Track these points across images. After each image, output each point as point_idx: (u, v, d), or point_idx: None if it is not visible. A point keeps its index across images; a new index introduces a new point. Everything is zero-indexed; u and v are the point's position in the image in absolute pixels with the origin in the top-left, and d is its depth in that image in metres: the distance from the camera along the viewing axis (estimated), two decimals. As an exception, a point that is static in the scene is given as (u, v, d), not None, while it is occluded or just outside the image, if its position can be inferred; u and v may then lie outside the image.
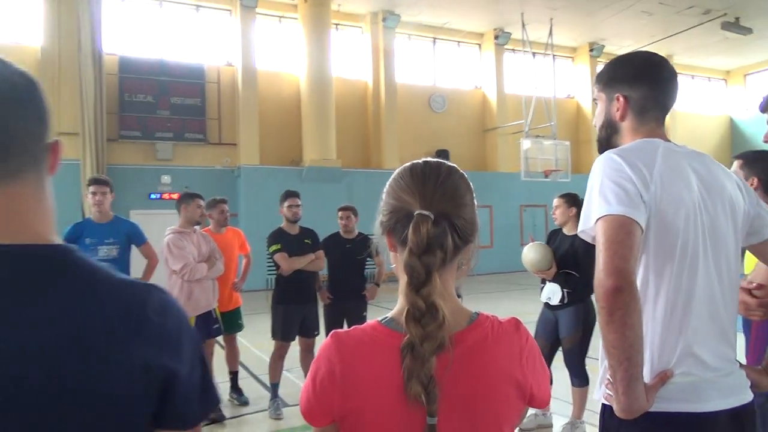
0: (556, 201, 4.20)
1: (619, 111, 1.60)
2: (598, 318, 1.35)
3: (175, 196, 13.27)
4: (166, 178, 13.85)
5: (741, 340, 1.82)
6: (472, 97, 18.33)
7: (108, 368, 0.70)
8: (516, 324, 1.01)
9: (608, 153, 1.51)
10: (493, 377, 0.94)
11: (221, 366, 5.18)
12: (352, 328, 0.97)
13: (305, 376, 4.31)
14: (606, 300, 1.30)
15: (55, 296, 0.71)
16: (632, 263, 1.33)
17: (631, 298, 1.29)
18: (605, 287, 1.30)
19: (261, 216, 13.12)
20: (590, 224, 1.43)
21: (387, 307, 7.22)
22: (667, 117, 1.66)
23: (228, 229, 5.17)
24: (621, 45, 19.10)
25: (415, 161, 1.03)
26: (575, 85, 20.09)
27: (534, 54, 17.01)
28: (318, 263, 4.80)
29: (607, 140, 1.67)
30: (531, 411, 4.04)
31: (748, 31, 16.91)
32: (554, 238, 4.25)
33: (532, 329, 3.51)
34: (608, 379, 1.39)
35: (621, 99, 1.59)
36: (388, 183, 1.03)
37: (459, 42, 18.12)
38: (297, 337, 4.85)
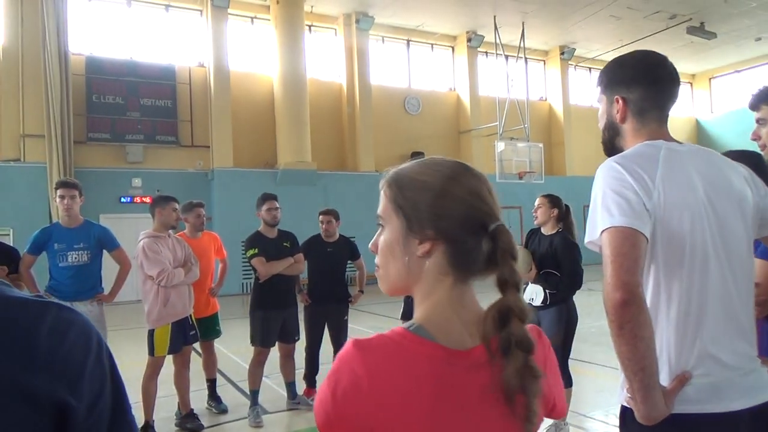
0: (538, 200, 4.21)
1: (619, 113, 1.59)
2: (610, 332, 1.35)
3: (146, 199, 13.14)
4: (136, 181, 13.55)
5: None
6: (447, 99, 18.41)
7: None
8: (538, 332, 0.97)
9: (609, 161, 1.50)
10: None
11: (199, 374, 5.05)
12: (374, 335, 0.87)
13: (285, 382, 4.22)
14: (615, 313, 1.31)
15: None
16: (638, 275, 1.33)
17: (638, 310, 1.30)
18: (613, 301, 1.31)
19: (235, 219, 12.94)
20: (596, 236, 1.43)
21: (366, 310, 7.24)
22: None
23: (204, 234, 5.04)
24: (591, 48, 19.43)
25: (456, 161, 0.94)
26: (547, 87, 20.34)
27: (507, 57, 17.17)
28: (297, 267, 4.71)
29: (611, 142, 1.66)
30: (548, 421, 4.00)
31: (712, 35, 17.38)
32: (533, 238, 4.25)
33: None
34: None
35: (620, 101, 1.58)
36: (427, 180, 0.91)
37: (433, 44, 18.19)
38: (276, 343, 4.75)
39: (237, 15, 15.05)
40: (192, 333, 4.52)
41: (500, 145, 16.01)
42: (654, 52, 1.62)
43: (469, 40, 17.80)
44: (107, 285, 4.50)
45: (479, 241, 0.88)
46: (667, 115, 1.60)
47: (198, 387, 4.99)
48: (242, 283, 13.59)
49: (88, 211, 4.56)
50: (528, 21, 16.58)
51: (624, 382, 1.41)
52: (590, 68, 21.38)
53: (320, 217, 5.08)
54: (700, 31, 17.14)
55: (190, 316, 4.51)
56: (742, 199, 1.49)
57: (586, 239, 1.47)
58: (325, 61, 16.45)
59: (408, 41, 17.76)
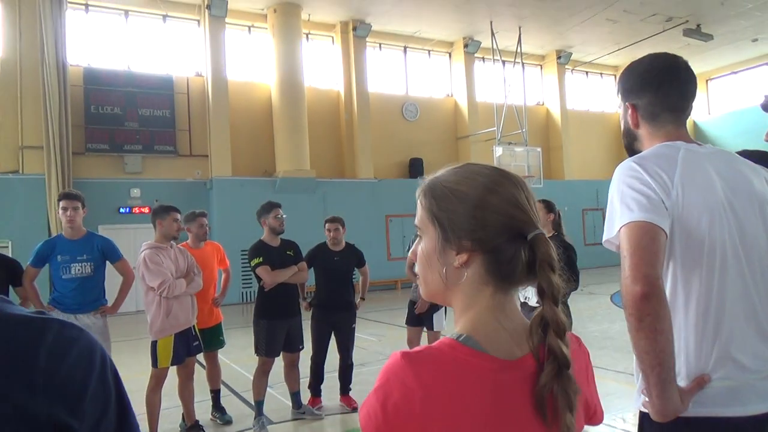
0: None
1: (632, 119, 1.62)
2: (627, 325, 1.33)
3: (145, 210, 13.13)
4: (135, 192, 13.52)
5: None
6: (444, 105, 18.44)
7: None
8: (578, 340, 0.95)
9: (627, 161, 1.50)
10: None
11: (202, 384, 5.01)
12: (423, 347, 0.84)
13: (290, 391, 4.18)
14: (635, 307, 1.29)
15: None
16: (659, 268, 1.32)
17: (659, 303, 1.29)
18: (633, 294, 1.30)
19: (234, 229, 12.91)
20: (614, 233, 1.42)
21: (367, 317, 7.21)
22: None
23: (207, 243, 5.01)
24: (588, 52, 19.49)
25: (494, 167, 0.92)
26: (544, 92, 20.39)
27: (503, 62, 17.22)
28: (301, 275, 4.69)
29: (630, 147, 1.68)
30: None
31: (709, 37, 17.44)
32: None
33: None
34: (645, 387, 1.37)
35: (630, 108, 1.62)
36: (464, 189, 0.89)
37: (430, 51, 18.23)
38: (281, 352, 4.72)
39: (234, 24, 15.07)
40: (195, 344, 4.48)
41: (498, 150, 16.03)
42: (665, 54, 1.62)
43: (465, 45, 17.85)
44: (109, 296, 4.47)
45: (518, 249, 0.86)
46: (686, 116, 1.60)
47: (202, 398, 4.95)
48: (242, 293, 13.54)
49: (87, 223, 4.52)
50: (524, 26, 16.63)
51: (641, 386, 1.39)
52: (587, 72, 21.46)
53: (327, 225, 5.07)
54: (696, 33, 17.20)
55: (194, 326, 4.48)
56: (763, 200, 1.49)
57: (604, 237, 1.47)
58: (323, 69, 16.47)
59: (405, 48, 17.80)
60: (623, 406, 4.41)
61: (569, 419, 0.81)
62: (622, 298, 1.34)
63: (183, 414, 4.54)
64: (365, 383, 5.78)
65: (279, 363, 4.80)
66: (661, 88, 1.56)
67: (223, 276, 5.30)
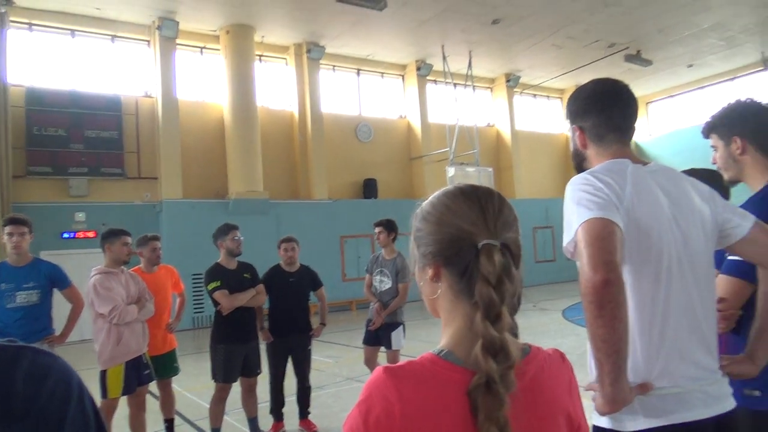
0: None
1: (579, 140, 1.71)
2: (586, 315, 1.35)
3: (90, 234, 12.67)
4: (80, 216, 13.04)
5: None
6: (398, 126, 18.66)
7: None
8: (561, 355, 0.98)
9: (580, 175, 1.57)
10: (551, 411, 0.90)
11: (155, 414, 4.84)
12: (405, 362, 0.86)
13: (248, 416, 4.09)
14: (596, 294, 1.31)
15: None
16: (618, 258, 1.35)
17: (619, 290, 1.31)
18: (594, 281, 1.31)
19: (186, 252, 12.60)
20: (572, 234, 1.44)
21: (324, 340, 7.12)
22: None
23: (161, 267, 4.88)
24: (535, 76, 20.17)
25: (458, 186, 0.97)
26: (495, 113, 20.92)
27: (455, 84, 17.60)
28: (260, 298, 4.62)
29: (579, 167, 1.75)
30: None
31: (648, 63, 18.36)
32: None
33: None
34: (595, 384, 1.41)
35: (578, 130, 1.71)
36: (429, 209, 0.95)
37: (383, 73, 18.47)
38: (239, 378, 4.61)
39: (186, 45, 14.90)
40: (146, 372, 4.34)
41: (451, 171, 16.28)
42: (607, 79, 1.72)
43: (418, 68, 18.18)
44: (56, 325, 4.29)
45: (472, 261, 0.88)
46: (630, 136, 1.69)
47: (155, 429, 4.77)
48: (194, 318, 13.19)
49: (28, 248, 4.34)
50: (474, 50, 17.09)
51: (596, 400, 1.42)
52: (535, 95, 22.16)
53: (283, 245, 5.01)
54: (636, 58, 18.08)
55: (145, 354, 4.34)
56: (703, 215, 1.57)
57: (564, 242, 1.50)
58: (277, 90, 16.44)
59: (358, 70, 17.98)
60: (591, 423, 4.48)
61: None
62: (582, 287, 1.34)
63: (134, 446, 4.36)
64: (324, 406, 5.70)
65: (235, 389, 4.68)
66: (605, 111, 1.65)
67: (178, 300, 5.16)
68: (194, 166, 14.50)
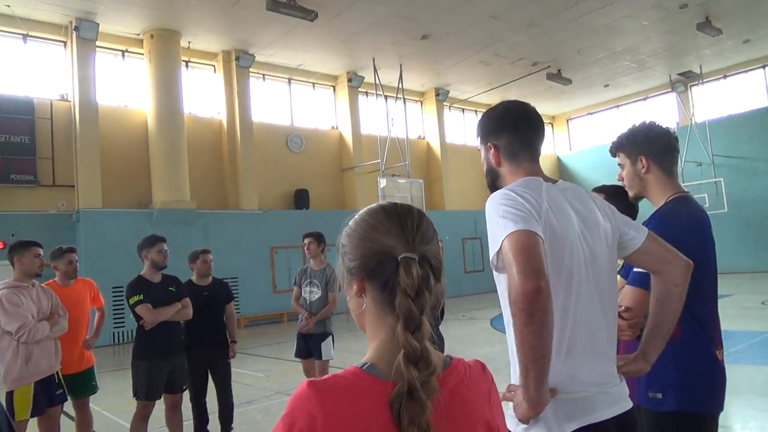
0: None
1: (494, 158, 1.77)
2: (514, 321, 1.39)
3: (-1, 245, 11.79)
4: (-14, 226, 12.13)
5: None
6: (330, 137, 18.63)
7: None
8: (482, 366, 1.02)
9: (501, 190, 1.62)
10: (471, 420, 0.94)
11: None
12: (328, 375, 0.87)
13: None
14: (526, 302, 1.35)
15: None
16: (545, 267, 1.40)
17: (549, 299, 1.36)
18: (525, 290, 1.35)
19: (105, 264, 11.99)
20: (497, 248, 1.49)
21: (251, 353, 7.00)
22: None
23: (78, 281, 4.60)
24: (463, 90, 20.74)
25: (380, 203, 1.01)
26: (425, 126, 21.31)
27: (386, 97, 17.80)
28: (185, 312, 4.45)
29: (494, 184, 1.81)
30: None
31: (568, 81, 19.31)
32: None
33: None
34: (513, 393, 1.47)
35: (492, 148, 1.77)
36: (353, 226, 0.99)
37: (314, 84, 18.41)
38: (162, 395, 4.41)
39: (106, 48, 14.25)
40: (59, 392, 4.07)
41: (383, 182, 16.41)
42: (516, 101, 1.82)
43: (349, 80, 18.25)
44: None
45: (393, 274, 0.91)
46: (538, 154, 1.77)
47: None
48: (113, 333, 12.53)
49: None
50: (405, 64, 17.37)
51: (517, 407, 1.48)
52: (463, 109, 22.78)
53: (201, 256, 4.89)
54: (557, 77, 18.98)
55: (57, 373, 4.06)
56: (606, 230, 1.67)
57: (491, 254, 1.54)
58: (204, 98, 16.02)
59: (289, 80, 17.84)
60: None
61: None
62: (512, 296, 1.38)
63: (45, 472, 4.06)
64: (252, 422, 5.55)
65: (159, 406, 4.47)
66: (518, 129, 1.73)
67: (97, 315, 4.88)
68: (115, 173, 13.85)
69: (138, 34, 14.29)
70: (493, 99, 21.45)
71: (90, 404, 4.66)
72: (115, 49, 14.62)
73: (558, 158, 25.58)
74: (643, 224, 1.98)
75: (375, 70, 16.84)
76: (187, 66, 15.54)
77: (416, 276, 0.89)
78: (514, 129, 1.73)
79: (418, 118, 21.14)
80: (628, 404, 1.60)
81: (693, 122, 20.48)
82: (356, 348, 8.71)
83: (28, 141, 12.96)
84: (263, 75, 17.14)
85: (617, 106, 23.53)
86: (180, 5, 12.91)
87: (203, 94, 16.01)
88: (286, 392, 6.70)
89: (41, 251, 4.09)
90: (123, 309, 11.49)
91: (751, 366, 6.41)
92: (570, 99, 22.54)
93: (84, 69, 13.39)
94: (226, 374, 4.84)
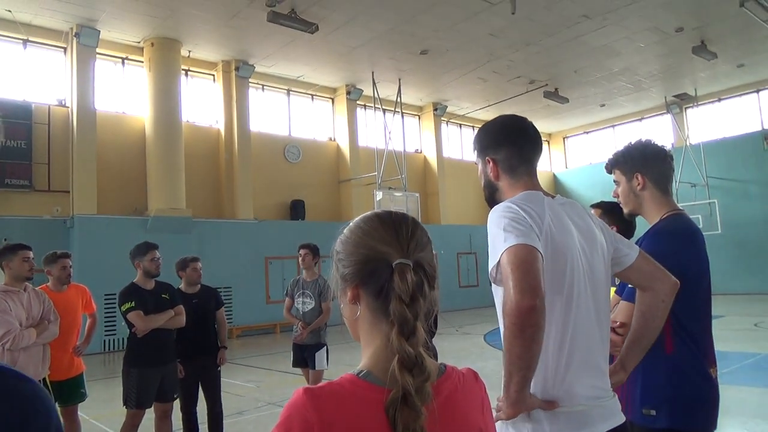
0: None
1: (492, 172, 1.78)
2: (506, 331, 1.42)
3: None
4: (-21, 230, 12.05)
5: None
6: (327, 148, 18.67)
7: None
8: (475, 375, 1.03)
9: (504, 202, 1.63)
10: (465, 428, 0.95)
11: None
12: (324, 383, 0.87)
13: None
14: (519, 317, 1.37)
15: None
16: (542, 282, 1.42)
17: (542, 316, 1.38)
18: (520, 306, 1.37)
19: (99, 270, 11.91)
20: (496, 260, 1.51)
21: (242, 363, 6.94)
22: None
23: (71, 287, 4.57)
24: (461, 106, 20.87)
25: (375, 211, 1.02)
26: (422, 140, 21.40)
27: (384, 110, 17.89)
28: (178, 320, 4.42)
29: (492, 198, 1.82)
30: None
31: (565, 100, 19.46)
32: None
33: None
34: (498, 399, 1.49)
35: (490, 162, 1.78)
36: (347, 233, 0.99)
37: (313, 95, 18.49)
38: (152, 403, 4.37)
39: (106, 55, 14.30)
40: (47, 399, 4.01)
41: (379, 195, 16.43)
42: (514, 115, 1.83)
43: (348, 93, 18.35)
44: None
45: (388, 280, 0.92)
46: (536, 168, 1.79)
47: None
48: (104, 341, 12.43)
49: None
50: (404, 78, 17.48)
51: (500, 407, 1.50)
52: (461, 124, 22.90)
53: (191, 264, 4.87)
54: (554, 95, 19.13)
55: (45, 379, 4.02)
56: (603, 246, 1.70)
57: (490, 266, 1.55)
58: (203, 106, 16.06)
59: (288, 91, 17.91)
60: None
61: None
62: (507, 309, 1.40)
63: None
64: (242, 433, 5.50)
65: (149, 415, 4.43)
66: (516, 143, 1.75)
67: (88, 321, 4.84)
68: (111, 180, 13.82)
69: (138, 42, 14.35)
70: (491, 115, 21.53)
71: (78, 412, 4.62)
72: (115, 57, 14.67)
73: (554, 175, 25.71)
74: (637, 241, 2.01)
75: (374, 84, 16.93)
76: (186, 75, 15.60)
77: (411, 282, 0.89)
78: (513, 143, 1.74)
79: (415, 132, 21.24)
80: (622, 418, 1.62)
81: (688, 144, 20.65)
82: (350, 360, 8.67)
83: (25, 146, 12.94)
84: (262, 86, 17.22)
85: (613, 126, 23.72)
86: (182, 15, 12.99)
87: (202, 103, 16.05)
88: (277, 403, 6.65)
89: (30, 254, 4.05)
90: (115, 316, 11.41)
91: (743, 387, 6.41)
92: (566, 117, 22.71)
93: (83, 75, 13.41)
94: (215, 382, 4.81)
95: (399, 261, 0.91)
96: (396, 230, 0.95)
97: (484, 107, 20.46)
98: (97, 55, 13.80)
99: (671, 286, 1.76)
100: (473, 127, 23.19)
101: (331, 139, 18.89)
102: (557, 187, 25.10)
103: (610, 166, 2.30)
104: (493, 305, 1.63)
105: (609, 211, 2.60)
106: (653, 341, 1.81)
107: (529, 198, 1.64)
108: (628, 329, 1.95)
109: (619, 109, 22.08)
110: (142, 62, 14.48)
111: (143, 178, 14.22)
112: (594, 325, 1.60)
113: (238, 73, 15.78)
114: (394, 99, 17.82)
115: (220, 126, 16.04)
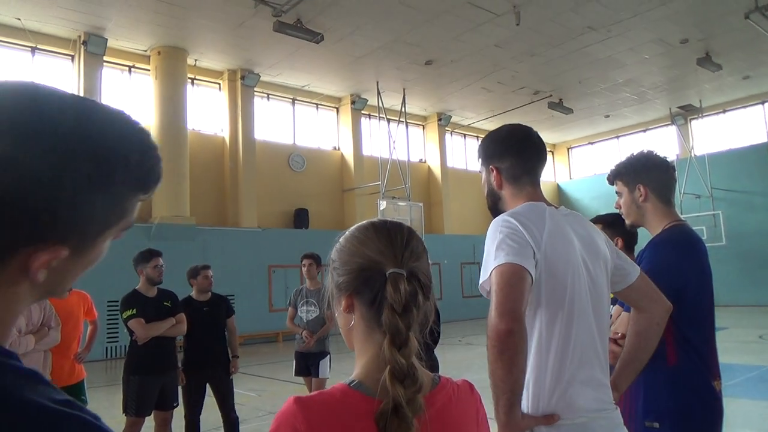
0: None
1: (496, 181, 1.78)
2: (488, 354, 1.43)
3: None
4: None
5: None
6: (331, 157, 18.72)
7: None
8: (470, 386, 1.02)
9: (502, 216, 1.63)
10: None
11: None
12: (315, 392, 0.88)
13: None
14: (498, 340, 1.39)
15: None
16: (523, 306, 1.43)
17: (521, 339, 1.40)
18: (498, 329, 1.39)
19: (101, 277, 11.91)
20: (487, 276, 1.51)
21: (246, 372, 6.90)
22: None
23: (72, 293, 4.56)
24: (465, 116, 20.91)
25: (370, 220, 1.01)
26: (426, 150, 21.43)
27: (388, 120, 17.95)
28: (179, 328, 4.42)
29: (494, 206, 1.82)
30: None
31: (569, 111, 19.48)
32: None
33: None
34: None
35: (494, 170, 1.77)
36: (342, 242, 0.99)
37: (318, 105, 18.57)
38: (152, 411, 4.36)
39: (113, 63, 14.41)
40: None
41: (382, 204, 16.43)
42: (519, 125, 1.83)
43: (353, 102, 18.41)
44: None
45: (381, 289, 0.91)
46: (539, 179, 1.79)
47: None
48: (106, 348, 12.43)
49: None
50: (408, 88, 17.54)
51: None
52: (465, 134, 22.93)
53: (202, 272, 4.86)
54: (559, 106, 19.15)
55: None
56: (606, 258, 1.69)
57: (480, 281, 1.56)
58: (208, 115, 16.14)
59: (293, 100, 17.99)
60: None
61: None
62: (488, 330, 1.42)
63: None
64: (243, 443, 5.47)
65: (149, 423, 4.42)
66: (521, 153, 1.74)
67: (90, 328, 4.84)
68: (116, 187, 13.86)
69: (145, 51, 14.46)
70: (495, 126, 21.08)
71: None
72: (122, 65, 14.78)
73: (558, 186, 25.68)
74: (640, 252, 2.00)
75: (378, 94, 16.99)
76: (192, 83, 15.70)
77: (404, 292, 0.89)
78: (518, 153, 1.74)
79: (419, 141, 21.27)
80: (624, 431, 1.62)
81: (692, 155, 20.62)
82: (351, 369, 8.65)
83: (31, 152, 12.99)
84: (268, 94, 17.30)
85: (617, 137, 23.71)
86: (188, 24, 13.09)
87: (207, 112, 16.13)
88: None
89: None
90: (117, 324, 11.41)
91: (747, 401, 6.35)
92: (571, 128, 22.71)
93: (90, 83, 13.51)
94: (228, 390, 4.79)
95: (393, 270, 0.91)
96: (391, 239, 0.95)
97: (489, 117, 20.49)
98: (104, 63, 13.91)
99: (666, 309, 1.77)
100: (477, 137, 23.22)
101: (335, 148, 18.94)
102: (561, 197, 25.07)
103: (612, 178, 2.29)
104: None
105: (610, 224, 2.59)
106: (646, 362, 1.81)
107: (530, 210, 1.63)
108: None
109: (623, 120, 22.08)
110: (149, 70, 14.58)
111: (148, 186, 14.24)
112: (595, 337, 1.60)
113: (244, 82, 15.87)
114: (399, 109, 17.87)
115: (225, 134, 16.11)
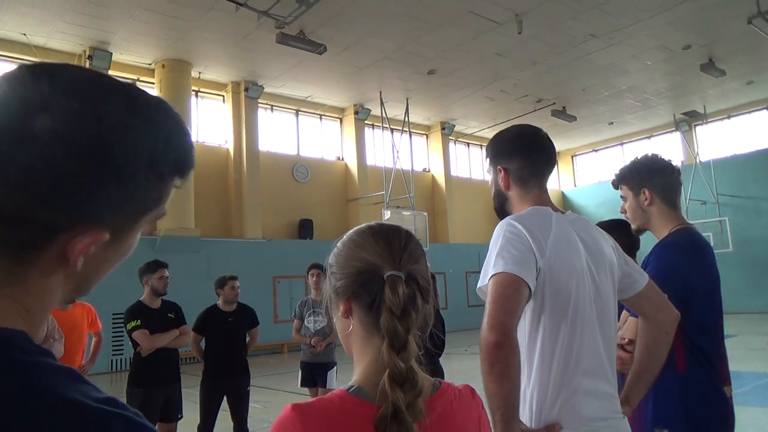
0: None
1: (503, 182, 1.75)
2: (480, 367, 1.41)
3: None
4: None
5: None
6: (335, 167, 18.75)
7: None
8: (472, 391, 1.00)
9: (508, 219, 1.61)
10: None
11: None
12: (314, 398, 0.87)
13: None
14: (488, 353, 1.37)
15: None
16: (515, 319, 1.41)
17: (511, 352, 1.37)
18: (488, 341, 1.37)
19: (105, 289, 11.88)
20: (485, 282, 1.50)
21: (255, 384, 6.82)
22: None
23: (76, 305, 4.58)
24: (468, 125, 20.93)
25: (368, 224, 1.00)
26: (430, 159, 21.45)
27: (392, 130, 17.99)
28: (183, 339, 4.41)
29: (501, 208, 1.79)
30: None
31: (573, 118, 19.48)
32: None
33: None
34: None
35: (502, 171, 1.74)
36: (340, 247, 0.98)
37: (321, 115, 18.64)
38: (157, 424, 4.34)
39: (118, 76, 14.45)
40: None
41: (387, 214, 16.43)
42: (530, 125, 1.80)
43: (356, 112, 18.47)
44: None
45: (379, 293, 0.90)
46: (547, 182, 1.76)
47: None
48: (112, 360, 12.42)
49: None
50: (411, 98, 17.59)
51: None
52: (468, 143, 22.95)
53: (229, 282, 4.88)
54: (562, 114, 19.15)
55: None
56: (612, 264, 1.66)
57: (478, 286, 1.54)
58: (212, 126, 16.21)
59: (297, 111, 18.06)
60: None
61: None
62: (480, 342, 1.40)
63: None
64: (248, 455, 5.43)
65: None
66: (530, 154, 1.72)
67: (94, 340, 4.84)
68: (121, 200, 13.91)
69: (150, 64, 14.57)
70: None
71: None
72: (127, 78, 14.88)
73: (562, 193, 25.63)
74: (646, 256, 1.96)
75: (381, 104, 17.04)
76: (196, 95, 15.79)
77: (402, 295, 0.87)
78: (527, 154, 1.71)
79: (423, 151, 21.30)
80: None
81: (697, 161, 20.55)
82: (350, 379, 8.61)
83: (37, 166, 13.07)
84: (271, 106, 17.38)
85: (622, 144, 23.67)
86: (192, 37, 13.19)
87: (211, 123, 16.21)
88: (283, 425, 6.58)
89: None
90: (122, 336, 11.40)
91: (757, 408, 6.27)
92: (575, 136, 22.69)
93: (95, 96, 13.58)
94: (244, 402, 4.79)
95: (390, 273, 0.89)
96: (389, 242, 0.94)
97: (492, 126, 20.49)
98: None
99: (674, 318, 1.73)
100: (481, 146, 23.22)
101: (339, 158, 18.98)
102: (566, 205, 25.00)
103: (617, 182, 2.27)
104: None
105: (614, 228, 2.57)
106: (657, 374, 1.76)
107: (536, 215, 1.61)
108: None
109: (627, 127, 22.06)
110: (153, 83, 14.68)
111: (153, 198, 14.29)
112: (600, 346, 1.57)
113: (248, 94, 15.95)
114: (402, 118, 17.91)
115: (229, 146, 16.17)
